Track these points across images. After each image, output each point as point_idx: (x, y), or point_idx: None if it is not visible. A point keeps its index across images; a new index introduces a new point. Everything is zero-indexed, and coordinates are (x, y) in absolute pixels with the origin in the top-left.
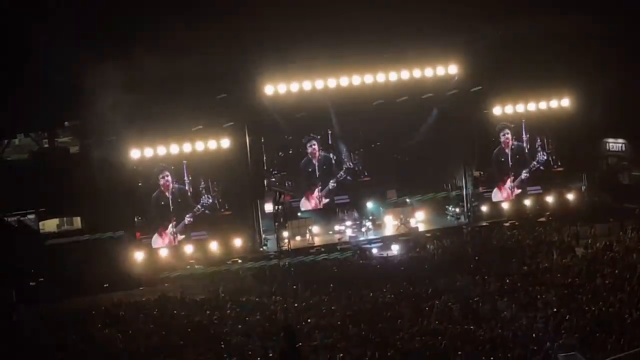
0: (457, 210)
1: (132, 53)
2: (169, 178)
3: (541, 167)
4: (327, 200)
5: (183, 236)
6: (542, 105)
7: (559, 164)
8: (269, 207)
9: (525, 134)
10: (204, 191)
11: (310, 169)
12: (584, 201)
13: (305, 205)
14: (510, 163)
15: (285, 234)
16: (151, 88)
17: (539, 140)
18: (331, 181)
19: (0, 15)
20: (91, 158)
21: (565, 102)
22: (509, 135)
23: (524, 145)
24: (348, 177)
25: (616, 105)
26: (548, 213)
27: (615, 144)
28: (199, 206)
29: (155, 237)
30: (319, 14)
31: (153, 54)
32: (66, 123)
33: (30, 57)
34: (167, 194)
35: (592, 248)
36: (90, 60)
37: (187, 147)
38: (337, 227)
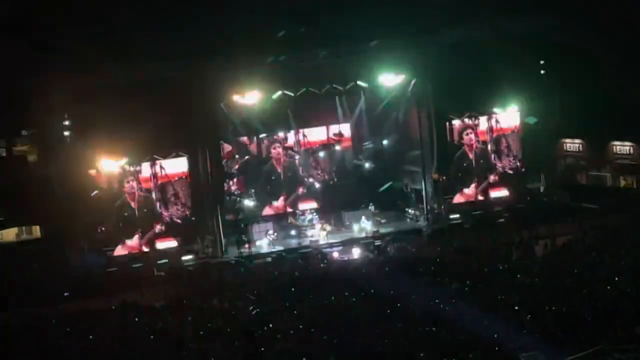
0: (417, 212)
1: (91, 60)
2: (134, 184)
3: (509, 171)
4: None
5: (147, 249)
6: (498, 109)
7: (520, 165)
8: (228, 215)
9: (489, 135)
10: (172, 198)
11: (273, 177)
12: (543, 201)
13: (267, 211)
14: (474, 167)
15: (245, 239)
16: (110, 95)
17: (504, 142)
18: (300, 188)
19: None
20: (50, 166)
21: (522, 105)
22: (472, 136)
23: (488, 147)
24: (315, 184)
25: (573, 106)
26: (507, 214)
27: (572, 144)
28: (167, 214)
29: (119, 248)
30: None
31: (113, 61)
32: (24, 131)
33: None
34: (132, 202)
35: (552, 247)
36: (48, 67)
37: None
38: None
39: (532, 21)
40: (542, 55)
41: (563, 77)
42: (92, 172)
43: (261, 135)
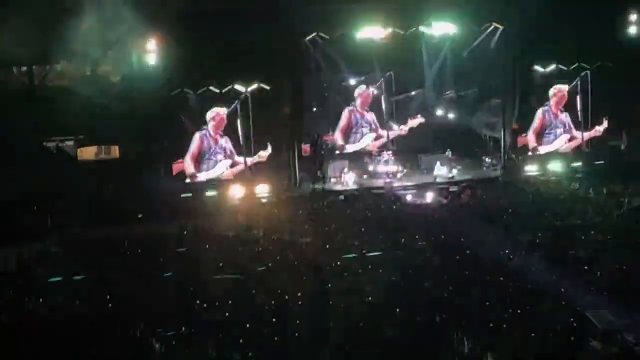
0: (494, 161)
1: None
2: (221, 111)
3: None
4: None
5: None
6: (585, 63)
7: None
8: (306, 149)
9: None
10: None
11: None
12: (623, 159)
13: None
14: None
15: (320, 175)
16: (193, 24)
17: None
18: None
19: None
20: (132, 87)
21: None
22: (562, 93)
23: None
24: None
25: None
26: (584, 170)
27: None
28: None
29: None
30: None
31: None
32: (109, 51)
33: None
34: (215, 140)
35: (629, 206)
36: None
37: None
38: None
39: None
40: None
41: None
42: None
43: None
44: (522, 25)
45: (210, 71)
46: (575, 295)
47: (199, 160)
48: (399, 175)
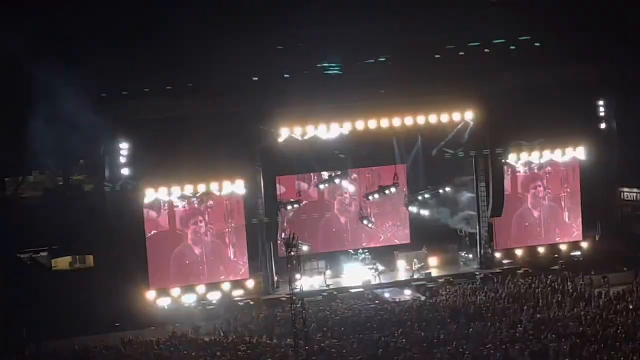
0: (470, 256)
1: (148, 93)
2: (203, 225)
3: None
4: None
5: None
6: (558, 154)
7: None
8: (282, 250)
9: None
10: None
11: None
12: (598, 250)
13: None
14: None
15: (298, 276)
16: (163, 129)
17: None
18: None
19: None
20: (105, 197)
21: (580, 152)
22: (540, 189)
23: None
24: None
25: (631, 155)
26: (562, 261)
27: (630, 193)
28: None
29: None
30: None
31: (164, 94)
32: (81, 161)
33: (46, 95)
34: (195, 249)
35: (606, 297)
36: (106, 100)
37: (202, 188)
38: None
39: (593, 68)
40: (601, 102)
41: (622, 125)
42: (152, 213)
43: (322, 183)
44: (493, 121)
45: (183, 176)
46: None
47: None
48: (375, 273)
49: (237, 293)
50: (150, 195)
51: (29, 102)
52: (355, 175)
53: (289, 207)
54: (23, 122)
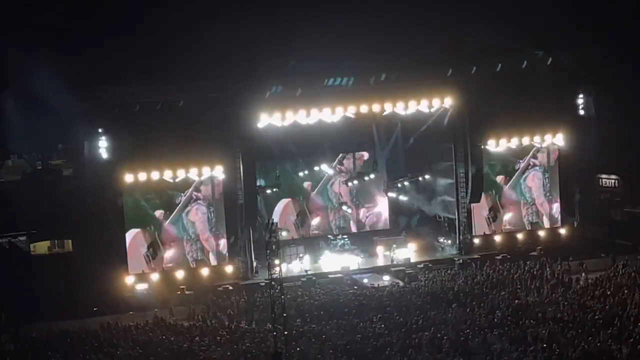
0: (449, 242)
1: (126, 78)
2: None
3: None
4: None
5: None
6: (537, 140)
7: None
8: (260, 235)
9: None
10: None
11: None
12: (576, 236)
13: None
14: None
15: (277, 261)
16: (143, 113)
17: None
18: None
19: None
20: (84, 181)
21: (559, 138)
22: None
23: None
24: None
25: (609, 141)
26: (540, 247)
27: (608, 180)
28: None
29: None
30: (313, 44)
31: (146, 80)
32: (60, 145)
33: (23, 79)
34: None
35: (584, 283)
36: (85, 84)
37: (181, 174)
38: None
39: (573, 54)
40: (580, 90)
41: (601, 112)
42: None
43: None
44: (471, 107)
45: (163, 161)
46: None
47: None
48: (354, 259)
49: (216, 278)
50: (129, 179)
51: (5, 86)
52: (335, 162)
53: (268, 192)
54: (1, 105)
